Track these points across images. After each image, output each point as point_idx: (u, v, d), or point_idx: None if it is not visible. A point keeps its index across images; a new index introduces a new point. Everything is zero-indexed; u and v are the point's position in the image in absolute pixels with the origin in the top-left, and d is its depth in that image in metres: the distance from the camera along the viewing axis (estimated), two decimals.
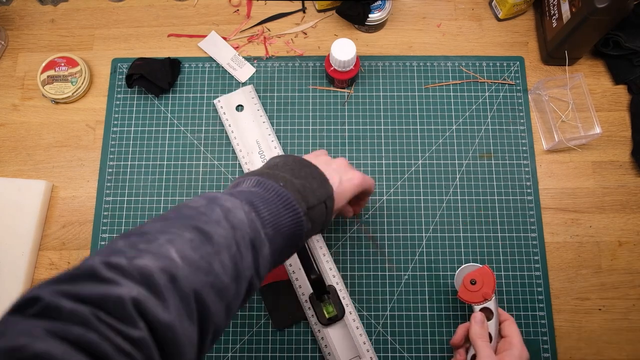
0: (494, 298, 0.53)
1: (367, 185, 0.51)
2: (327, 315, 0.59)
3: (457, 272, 0.58)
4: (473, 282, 0.54)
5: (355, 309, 0.61)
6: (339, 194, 0.47)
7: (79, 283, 0.30)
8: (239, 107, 0.68)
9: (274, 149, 0.65)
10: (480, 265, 0.55)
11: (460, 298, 0.54)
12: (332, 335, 0.59)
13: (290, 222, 0.41)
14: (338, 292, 0.60)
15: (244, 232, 0.37)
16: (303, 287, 0.60)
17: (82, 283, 0.30)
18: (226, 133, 0.68)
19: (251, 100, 0.68)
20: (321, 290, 0.58)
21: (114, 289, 0.29)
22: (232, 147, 0.67)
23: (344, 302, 0.60)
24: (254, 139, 0.66)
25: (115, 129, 0.68)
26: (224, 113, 0.67)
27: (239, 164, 0.66)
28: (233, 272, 0.36)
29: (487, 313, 0.53)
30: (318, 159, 0.49)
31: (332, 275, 0.61)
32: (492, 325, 0.52)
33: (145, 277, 0.31)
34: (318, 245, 0.62)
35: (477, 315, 0.52)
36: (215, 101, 0.68)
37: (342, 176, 0.48)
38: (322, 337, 0.59)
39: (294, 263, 0.61)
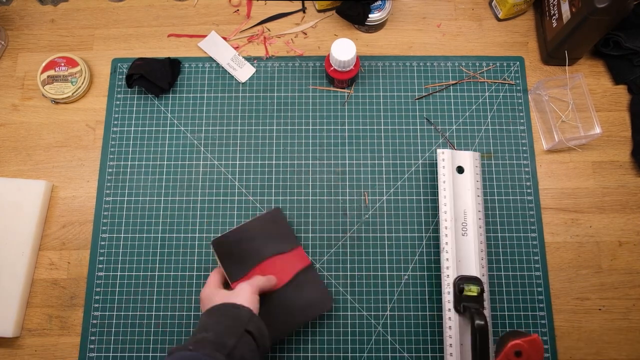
0: None
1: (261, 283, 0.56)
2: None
3: (501, 335, 0.49)
4: (518, 354, 0.44)
5: (356, 309, 0.61)
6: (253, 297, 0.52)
7: None
8: (460, 169, 0.63)
9: (479, 228, 0.60)
10: (530, 334, 0.46)
11: None
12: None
13: None
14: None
15: None
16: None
17: None
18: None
19: (475, 168, 0.63)
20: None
21: None
22: (438, 206, 0.61)
23: None
24: (462, 208, 0.61)
25: (115, 129, 0.68)
26: (443, 167, 0.62)
27: (437, 224, 0.62)
28: None
29: None
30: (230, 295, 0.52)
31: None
32: None
33: None
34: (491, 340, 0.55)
35: None
36: (439, 150, 0.63)
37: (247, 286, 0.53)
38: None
39: (459, 345, 0.56)
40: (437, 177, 0.63)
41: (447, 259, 0.59)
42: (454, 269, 0.58)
